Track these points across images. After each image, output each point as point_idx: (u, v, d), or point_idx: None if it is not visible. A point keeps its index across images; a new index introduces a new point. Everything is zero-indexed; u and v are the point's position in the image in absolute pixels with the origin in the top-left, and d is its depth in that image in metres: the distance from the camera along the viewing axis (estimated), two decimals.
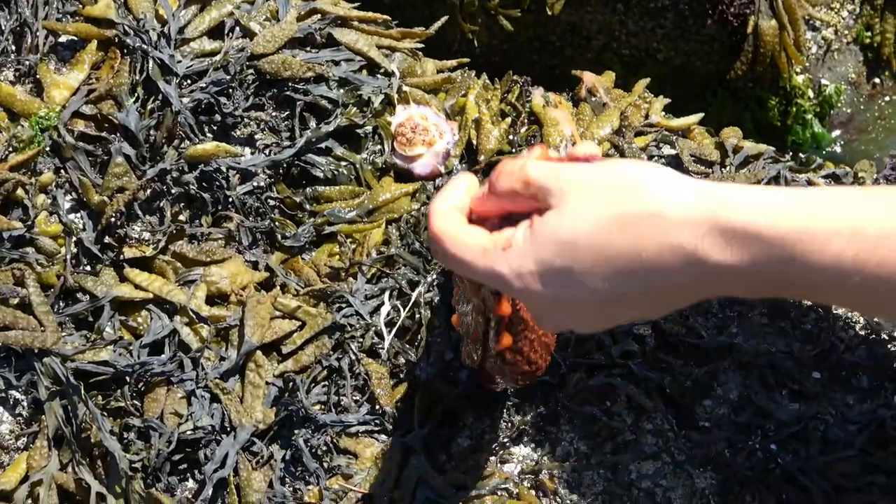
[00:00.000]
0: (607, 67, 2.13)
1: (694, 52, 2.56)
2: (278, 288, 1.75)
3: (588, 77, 1.93)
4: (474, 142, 1.84)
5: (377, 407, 1.65)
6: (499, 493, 1.57)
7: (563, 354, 1.62)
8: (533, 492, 1.57)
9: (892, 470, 1.50)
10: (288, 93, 1.83)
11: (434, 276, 1.72)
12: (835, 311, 1.64)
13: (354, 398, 1.66)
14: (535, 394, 1.62)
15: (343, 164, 1.83)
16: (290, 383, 1.66)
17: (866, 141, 2.63)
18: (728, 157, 1.77)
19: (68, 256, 1.72)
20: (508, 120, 1.85)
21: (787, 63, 2.58)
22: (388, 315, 1.70)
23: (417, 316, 1.70)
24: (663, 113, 1.87)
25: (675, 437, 1.58)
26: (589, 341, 1.62)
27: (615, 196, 1.12)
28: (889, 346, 1.61)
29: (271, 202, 1.81)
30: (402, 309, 1.70)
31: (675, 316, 1.64)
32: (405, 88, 1.88)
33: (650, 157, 1.81)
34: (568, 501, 1.56)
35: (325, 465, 1.62)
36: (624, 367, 1.61)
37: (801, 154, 2.60)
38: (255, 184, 1.80)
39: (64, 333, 1.69)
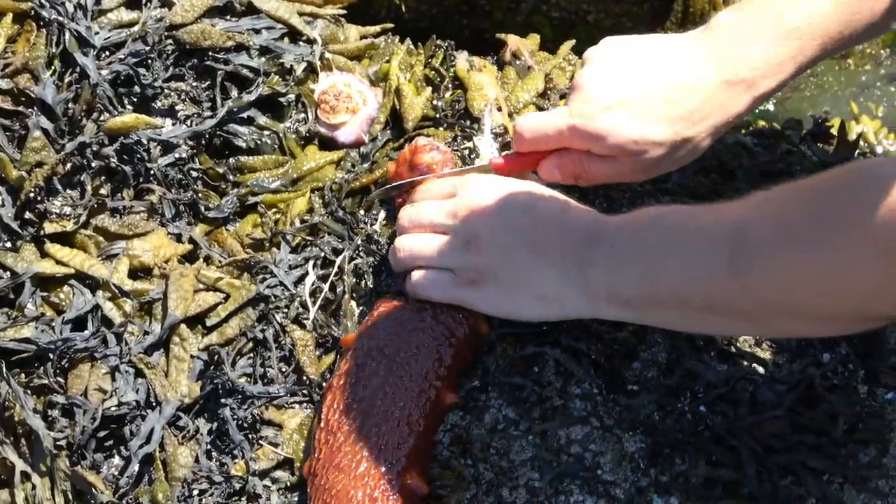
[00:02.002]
0: (537, 30, 2.09)
1: (624, 13, 2.53)
2: (202, 260, 1.74)
3: (512, 40, 1.90)
4: (399, 108, 1.82)
5: (304, 377, 1.64)
6: None
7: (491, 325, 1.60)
8: (461, 459, 1.54)
9: (821, 429, 1.49)
10: (208, 62, 1.81)
11: (359, 242, 1.71)
12: None
13: (280, 369, 1.65)
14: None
15: (266, 133, 1.81)
16: (216, 356, 1.64)
17: (799, 99, 2.62)
18: None
19: None
20: (429, 90, 1.84)
21: None
22: (312, 285, 1.69)
23: (342, 285, 1.69)
24: None
25: (604, 402, 1.56)
26: None
27: None
28: None
29: (194, 174, 1.79)
30: (327, 278, 1.69)
31: None
32: (328, 55, 1.86)
33: None
34: (497, 469, 1.53)
35: (251, 437, 1.60)
36: (550, 336, 1.59)
37: None
38: (176, 155, 1.78)
39: None
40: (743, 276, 1.25)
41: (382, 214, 1.74)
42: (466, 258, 1.51)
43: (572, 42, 1.91)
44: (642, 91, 1.46)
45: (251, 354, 1.67)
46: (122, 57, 1.77)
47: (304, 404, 1.64)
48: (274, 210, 1.77)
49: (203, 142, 1.79)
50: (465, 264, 1.52)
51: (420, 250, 1.56)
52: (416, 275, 1.56)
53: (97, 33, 1.78)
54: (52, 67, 1.75)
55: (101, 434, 1.62)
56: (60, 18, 1.76)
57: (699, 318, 1.37)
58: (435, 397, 1.50)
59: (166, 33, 1.79)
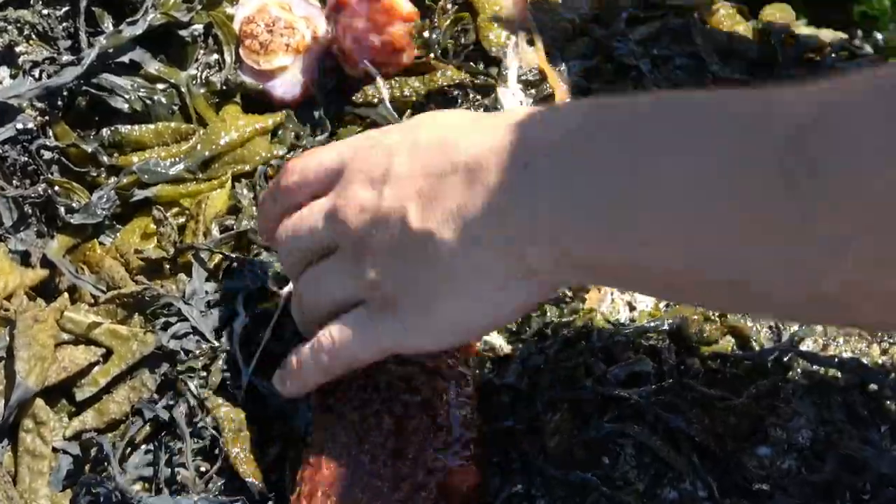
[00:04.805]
0: None
1: None
2: (65, 294, 1.38)
3: None
4: None
5: (235, 480, 1.26)
6: None
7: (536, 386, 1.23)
8: None
9: None
10: None
11: None
12: None
13: (198, 468, 1.27)
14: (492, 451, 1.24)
15: (160, 87, 1.49)
16: (94, 449, 1.28)
17: None
18: (775, 51, 1.44)
19: None
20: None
21: None
22: (244, 330, 1.31)
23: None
24: None
25: None
26: (574, 366, 1.24)
27: None
28: None
29: (47, 154, 1.47)
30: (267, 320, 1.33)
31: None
32: None
33: (653, 59, 1.45)
34: None
35: None
36: (627, 403, 1.22)
37: (876, 33, 2.10)
38: (19, 126, 1.46)
39: None
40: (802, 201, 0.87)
41: None
42: (364, 276, 1.09)
43: None
44: None
45: (150, 445, 1.30)
46: None
47: None
48: (177, 210, 1.43)
49: (61, 103, 1.48)
50: (367, 286, 1.09)
51: (314, 293, 1.17)
52: (322, 333, 1.14)
53: None
54: None
55: None
56: None
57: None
58: (443, 478, 1.16)
59: None
